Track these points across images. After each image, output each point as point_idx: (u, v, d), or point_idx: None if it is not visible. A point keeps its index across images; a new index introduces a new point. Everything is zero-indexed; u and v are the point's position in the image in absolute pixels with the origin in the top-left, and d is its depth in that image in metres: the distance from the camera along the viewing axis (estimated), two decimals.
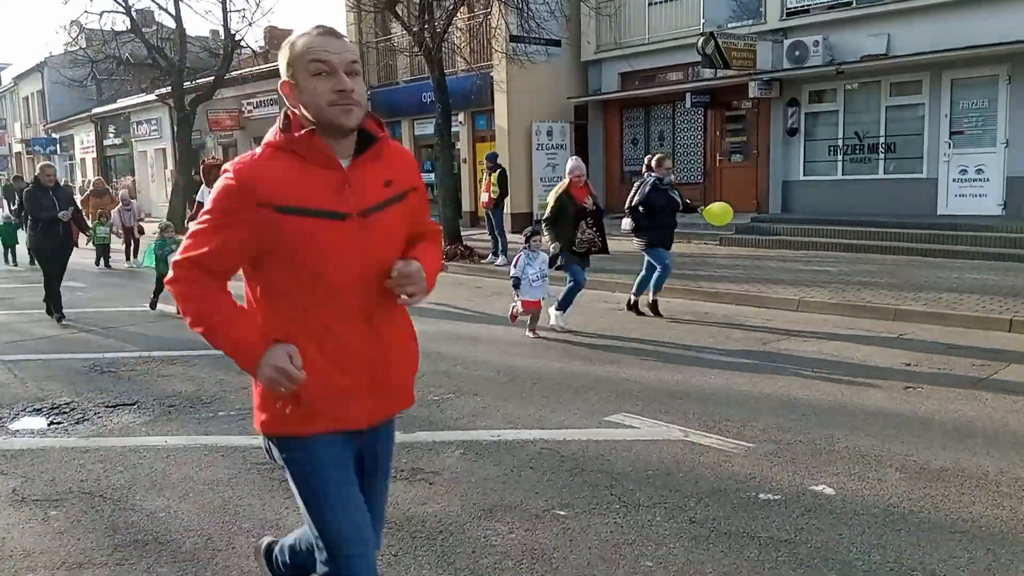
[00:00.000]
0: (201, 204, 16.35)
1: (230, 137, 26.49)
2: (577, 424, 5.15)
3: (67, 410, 5.85)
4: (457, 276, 12.87)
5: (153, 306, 9.93)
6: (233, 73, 23.96)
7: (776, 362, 6.68)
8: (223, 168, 2.06)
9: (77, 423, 5.55)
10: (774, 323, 8.40)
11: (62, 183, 22.71)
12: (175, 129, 24.49)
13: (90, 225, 14.32)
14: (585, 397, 5.75)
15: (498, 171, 13.38)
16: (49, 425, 5.51)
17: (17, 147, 45.78)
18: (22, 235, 15.43)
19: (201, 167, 16.94)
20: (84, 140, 37.43)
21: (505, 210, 14.02)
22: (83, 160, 38.05)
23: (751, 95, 15.55)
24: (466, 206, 18.96)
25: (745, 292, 9.83)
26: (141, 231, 16.16)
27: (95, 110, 34.21)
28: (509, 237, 13.75)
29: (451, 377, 6.42)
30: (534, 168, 18.40)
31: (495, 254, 13.45)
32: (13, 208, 25.68)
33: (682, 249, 14.45)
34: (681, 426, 5.01)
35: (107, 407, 5.89)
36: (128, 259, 15.94)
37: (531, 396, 5.78)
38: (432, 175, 21.31)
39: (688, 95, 16.54)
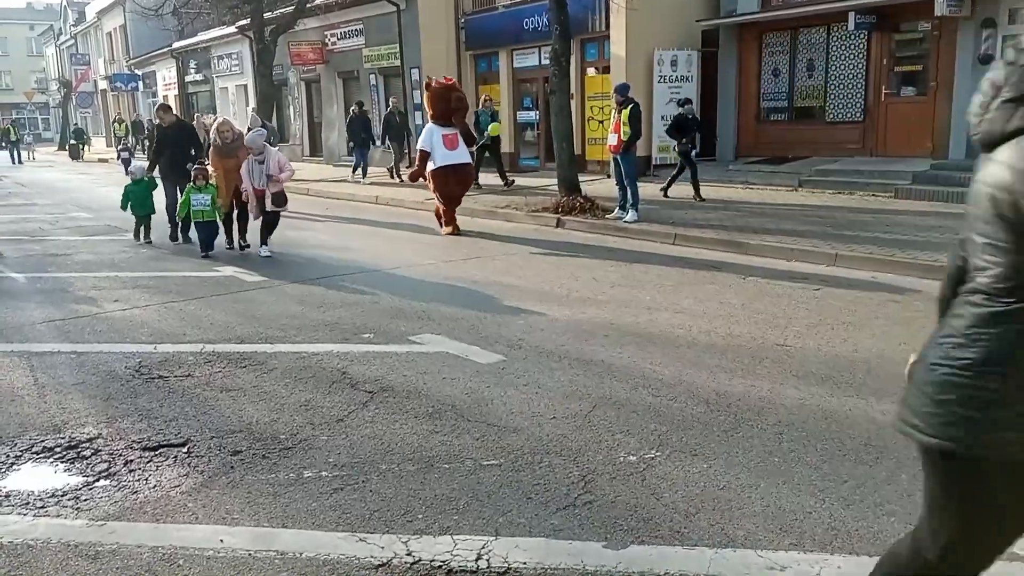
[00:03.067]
0: (426, 153, 10.59)
1: (313, 72, 24.58)
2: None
3: (88, 453, 4.01)
4: (580, 235, 10.68)
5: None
6: (317, 1, 21.92)
7: None
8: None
9: (97, 480, 3.70)
10: None
11: (146, 121, 18.58)
12: (255, 63, 22.69)
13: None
14: (875, 471, 3.56)
15: (630, 107, 11.00)
16: (51, 498, 3.65)
17: (102, 84, 45.22)
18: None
19: (425, 91, 10.58)
20: (166, 76, 36.29)
21: (637, 154, 11.68)
22: (165, 97, 36.99)
23: (936, 13, 12.62)
24: (576, 149, 16.61)
25: None
26: (282, 200, 9.62)
27: (176, 44, 32.85)
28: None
29: (639, 413, 4.31)
30: (655, 104, 15.85)
31: (623, 208, 11.17)
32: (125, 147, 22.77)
33: (850, 203, 11.90)
34: None
35: (145, 450, 4.02)
36: (263, 243, 9.65)
37: (787, 461, 3.63)
38: (532, 114, 19.37)
39: (851, 15, 13.67)
